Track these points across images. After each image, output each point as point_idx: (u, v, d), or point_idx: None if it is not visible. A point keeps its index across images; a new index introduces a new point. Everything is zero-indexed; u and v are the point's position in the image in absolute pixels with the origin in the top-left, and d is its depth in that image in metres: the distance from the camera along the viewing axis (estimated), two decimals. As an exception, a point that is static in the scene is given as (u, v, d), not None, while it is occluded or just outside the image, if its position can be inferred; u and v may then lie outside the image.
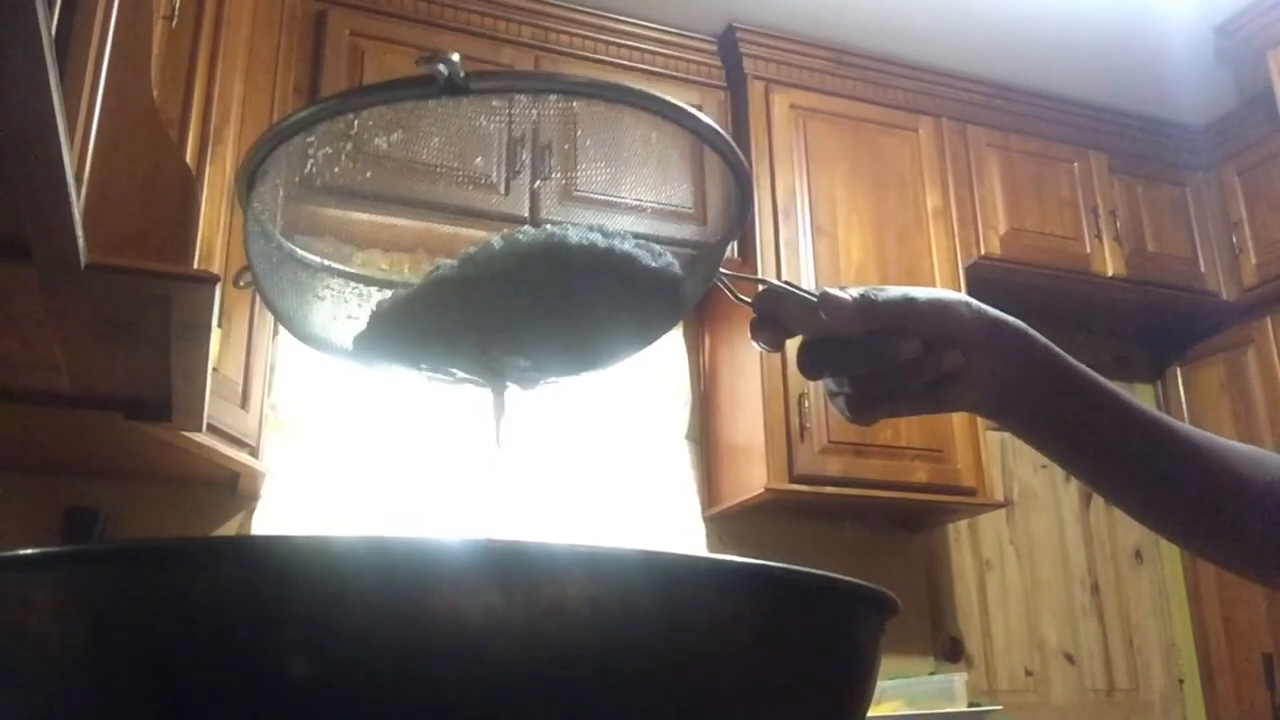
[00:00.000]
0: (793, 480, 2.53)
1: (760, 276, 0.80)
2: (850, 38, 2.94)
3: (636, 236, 0.59)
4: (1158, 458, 0.67)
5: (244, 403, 2.06)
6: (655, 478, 2.71)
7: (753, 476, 2.57)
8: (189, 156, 1.73)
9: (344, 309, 0.62)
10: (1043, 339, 0.68)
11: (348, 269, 0.64)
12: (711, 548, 2.71)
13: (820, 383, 0.67)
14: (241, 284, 0.64)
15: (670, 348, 2.82)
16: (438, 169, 0.61)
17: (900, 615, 0.48)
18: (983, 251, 2.91)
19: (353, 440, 2.43)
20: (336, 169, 0.58)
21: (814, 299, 0.63)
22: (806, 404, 2.57)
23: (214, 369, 1.71)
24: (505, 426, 0.61)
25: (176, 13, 1.70)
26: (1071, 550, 3.23)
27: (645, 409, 2.74)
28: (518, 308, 0.57)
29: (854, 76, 2.97)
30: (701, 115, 0.59)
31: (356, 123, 0.56)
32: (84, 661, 0.37)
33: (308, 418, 2.41)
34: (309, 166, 0.58)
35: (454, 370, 0.60)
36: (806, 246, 2.73)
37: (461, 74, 0.52)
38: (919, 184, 2.94)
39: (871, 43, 2.96)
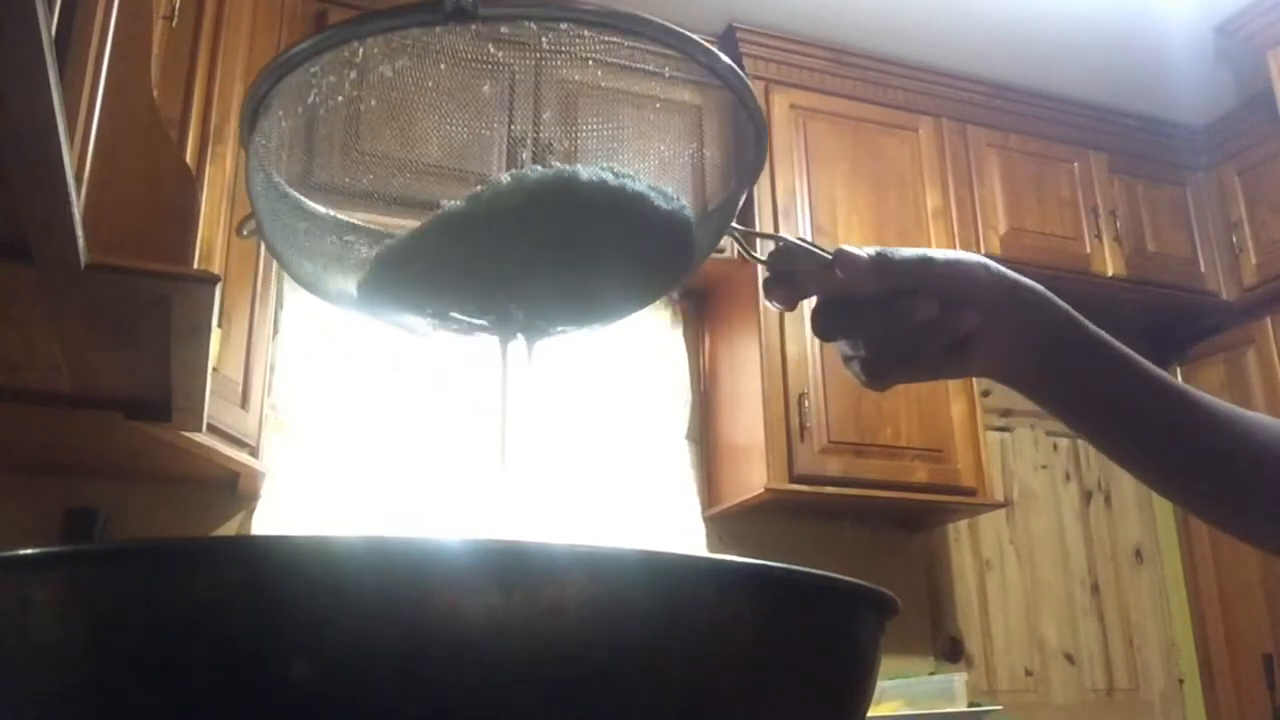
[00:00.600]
0: (793, 480, 2.53)
1: (775, 233, 0.77)
2: (850, 38, 2.94)
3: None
4: (1181, 429, 0.66)
5: (244, 403, 2.06)
6: (655, 478, 2.71)
7: (753, 476, 2.57)
8: (189, 156, 1.73)
9: (350, 258, 0.60)
10: (1065, 305, 0.66)
11: (353, 219, 0.62)
12: (711, 548, 2.70)
13: (835, 346, 0.65)
14: (245, 232, 0.62)
15: (670, 348, 2.82)
16: (439, 170, 0.60)
17: (900, 615, 0.47)
18: (983, 251, 2.90)
19: (353, 440, 2.43)
20: (337, 142, 0.57)
21: (829, 257, 0.61)
22: (806, 404, 2.57)
23: (214, 369, 1.71)
24: (511, 381, 0.59)
25: (176, 13, 1.70)
26: (1071, 550, 3.23)
27: (645, 409, 2.74)
28: (525, 249, 0.55)
29: (854, 76, 2.97)
30: (716, 51, 0.56)
31: (358, 77, 0.54)
32: (84, 661, 0.37)
33: (308, 418, 2.41)
34: (312, 97, 0.56)
35: (460, 316, 0.58)
36: (806, 246, 2.73)
37: None
38: (919, 184, 2.94)
39: (871, 43, 2.96)
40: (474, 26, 0.53)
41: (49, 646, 0.37)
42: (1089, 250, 3.07)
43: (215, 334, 1.51)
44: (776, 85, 2.87)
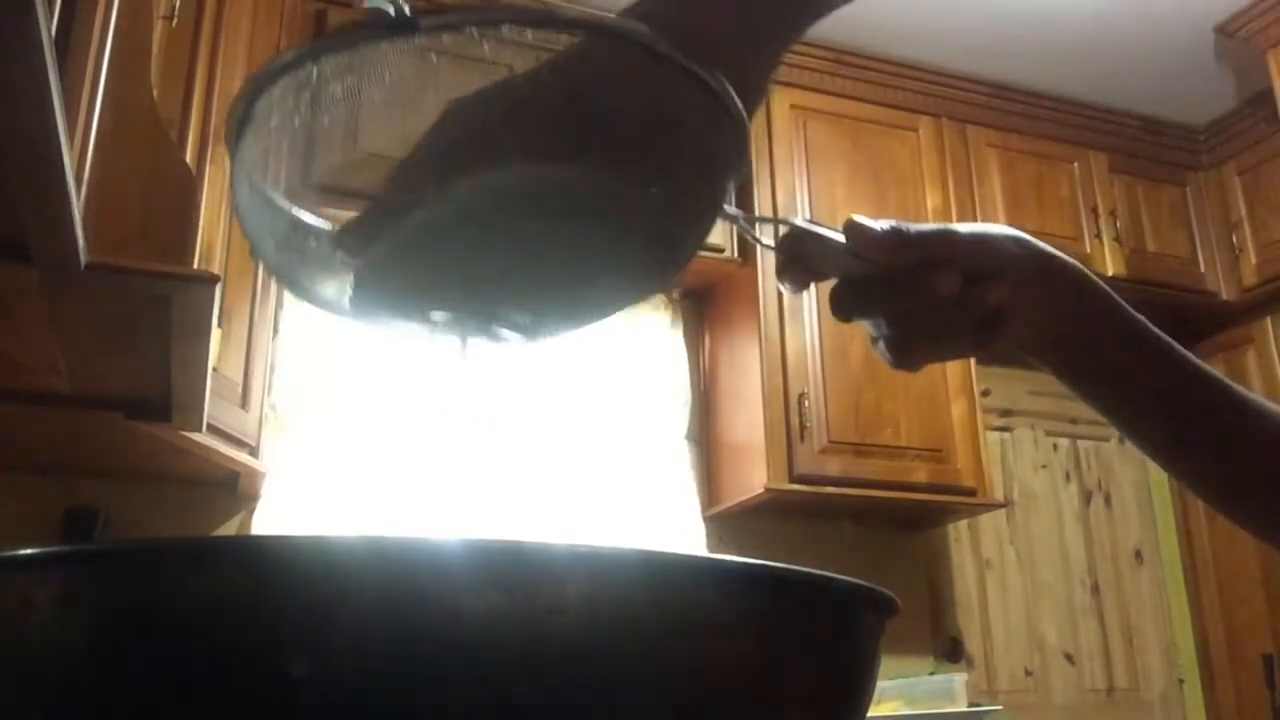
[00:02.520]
0: (793, 480, 2.53)
1: (778, 216, 0.75)
2: (850, 38, 2.94)
3: None
4: (1216, 418, 0.64)
5: (244, 403, 2.06)
6: (655, 478, 2.71)
7: (753, 476, 2.57)
8: (189, 156, 1.73)
9: (338, 265, 0.59)
10: (1104, 286, 0.63)
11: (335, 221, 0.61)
12: (711, 548, 2.71)
13: (861, 327, 0.62)
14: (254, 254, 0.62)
15: (670, 348, 2.82)
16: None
17: (900, 615, 0.47)
18: (983, 251, 2.90)
19: (353, 440, 2.43)
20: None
21: (841, 239, 0.58)
22: (806, 404, 2.57)
23: (214, 369, 1.71)
24: (468, 376, 0.58)
25: (176, 13, 1.70)
26: (1071, 550, 3.23)
27: (645, 409, 2.74)
28: (500, 248, 0.55)
29: (854, 76, 2.97)
30: (671, 50, 0.53)
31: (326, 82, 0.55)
32: (84, 661, 0.37)
33: (308, 418, 2.41)
34: (275, 119, 0.56)
35: (450, 322, 0.58)
36: (806, 246, 2.73)
37: (408, 11, 0.52)
38: (919, 184, 2.94)
39: (871, 43, 2.96)
40: (417, 39, 0.53)
41: (49, 646, 0.37)
42: (1089, 250, 3.07)
43: (215, 334, 1.51)
44: (776, 85, 2.87)
